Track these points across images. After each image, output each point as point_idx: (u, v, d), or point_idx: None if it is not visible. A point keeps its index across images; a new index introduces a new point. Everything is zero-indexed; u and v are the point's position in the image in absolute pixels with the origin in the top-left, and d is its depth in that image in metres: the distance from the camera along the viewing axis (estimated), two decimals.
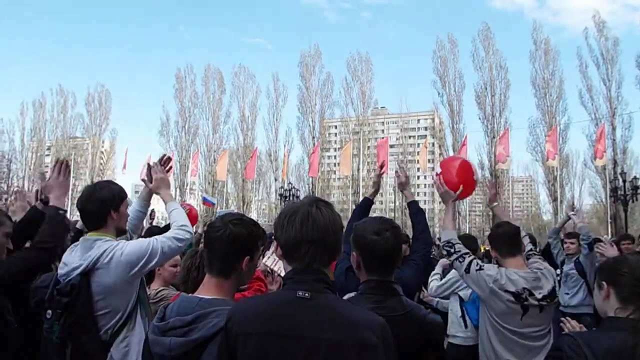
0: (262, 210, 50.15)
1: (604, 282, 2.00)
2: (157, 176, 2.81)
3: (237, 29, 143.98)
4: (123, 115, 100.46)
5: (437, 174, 3.48)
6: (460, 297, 4.43)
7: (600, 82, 35.54)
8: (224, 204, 38.58)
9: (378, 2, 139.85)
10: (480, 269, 3.00)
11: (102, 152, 51.58)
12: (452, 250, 3.13)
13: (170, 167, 3.06)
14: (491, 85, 39.22)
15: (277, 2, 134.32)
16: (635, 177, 24.79)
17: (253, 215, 42.90)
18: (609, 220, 29.54)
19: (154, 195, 2.90)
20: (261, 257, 3.42)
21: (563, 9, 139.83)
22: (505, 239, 3.18)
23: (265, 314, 1.49)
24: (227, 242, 1.74)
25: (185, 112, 46.25)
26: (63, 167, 2.79)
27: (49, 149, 50.92)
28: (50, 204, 2.73)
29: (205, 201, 27.43)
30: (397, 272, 2.96)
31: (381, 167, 3.70)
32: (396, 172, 3.58)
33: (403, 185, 3.43)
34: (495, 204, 3.92)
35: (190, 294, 1.86)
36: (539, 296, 2.90)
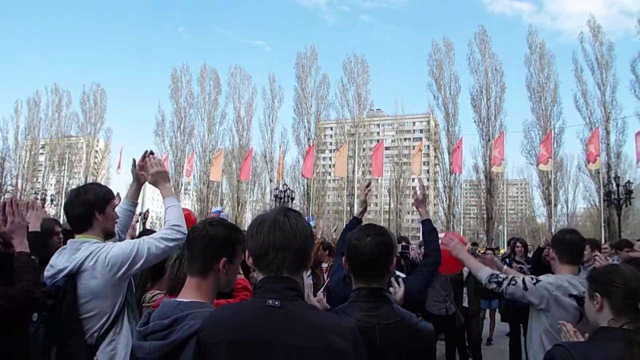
0: (257, 211, 50.03)
1: (597, 294, 1.97)
2: (153, 170, 2.67)
3: (238, 31, 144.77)
4: (118, 114, 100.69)
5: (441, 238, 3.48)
6: None
7: (594, 87, 35.77)
8: (219, 205, 38.48)
9: (377, 6, 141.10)
10: (538, 281, 3.01)
11: (96, 152, 51.45)
12: (500, 279, 3.11)
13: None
14: (487, 88, 39.42)
15: (279, 4, 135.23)
16: (628, 182, 25.02)
17: (247, 217, 42.89)
18: (603, 224, 29.69)
19: (152, 196, 2.74)
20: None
21: (561, 13, 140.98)
22: (572, 247, 3.16)
23: (236, 322, 1.50)
24: (205, 242, 1.76)
25: (181, 112, 46.31)
26: (14, 208, 2.42)
27: (43, 147, 50.70)
28: (17, 250, 2.39)
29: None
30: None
31: (367, 186, 3.59)
32: (414, 188, 3.51)
33: (419, 202, 3.38)
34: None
35: (172, 298, 1.86)
36: None
